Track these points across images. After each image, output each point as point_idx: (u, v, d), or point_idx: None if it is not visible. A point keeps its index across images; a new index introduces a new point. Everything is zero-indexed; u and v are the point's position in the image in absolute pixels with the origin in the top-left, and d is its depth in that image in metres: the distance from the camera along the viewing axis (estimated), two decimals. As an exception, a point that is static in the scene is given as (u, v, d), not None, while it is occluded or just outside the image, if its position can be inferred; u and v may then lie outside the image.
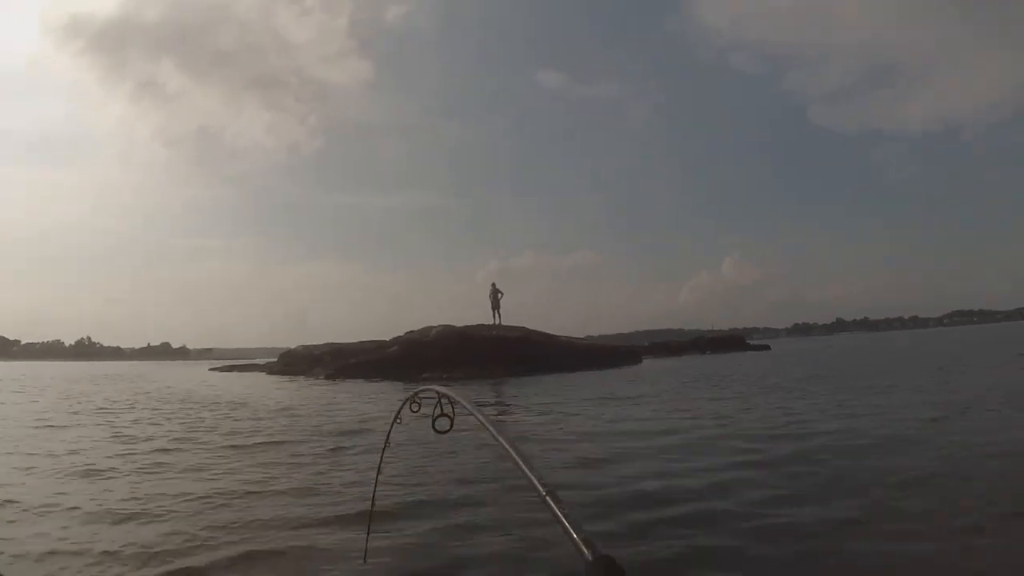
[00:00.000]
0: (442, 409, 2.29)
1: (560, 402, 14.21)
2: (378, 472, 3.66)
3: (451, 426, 2.28)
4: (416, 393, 2.82)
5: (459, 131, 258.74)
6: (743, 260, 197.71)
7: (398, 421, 3.14)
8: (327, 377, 28.99)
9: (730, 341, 48.96)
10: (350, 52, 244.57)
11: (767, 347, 52.34)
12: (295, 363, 35.70)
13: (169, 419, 13.01)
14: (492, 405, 14.30)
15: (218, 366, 50.89)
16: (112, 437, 10.19)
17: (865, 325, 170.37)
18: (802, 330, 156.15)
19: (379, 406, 14.72)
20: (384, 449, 3.51)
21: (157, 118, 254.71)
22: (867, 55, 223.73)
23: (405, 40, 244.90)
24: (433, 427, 2.30)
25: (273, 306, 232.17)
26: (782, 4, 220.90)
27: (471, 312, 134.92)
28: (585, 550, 0.93)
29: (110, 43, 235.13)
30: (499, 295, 29.08)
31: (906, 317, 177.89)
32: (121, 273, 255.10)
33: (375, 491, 3.77)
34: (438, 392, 2.32)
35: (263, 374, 36.96)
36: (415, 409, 2.84)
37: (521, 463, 1.29)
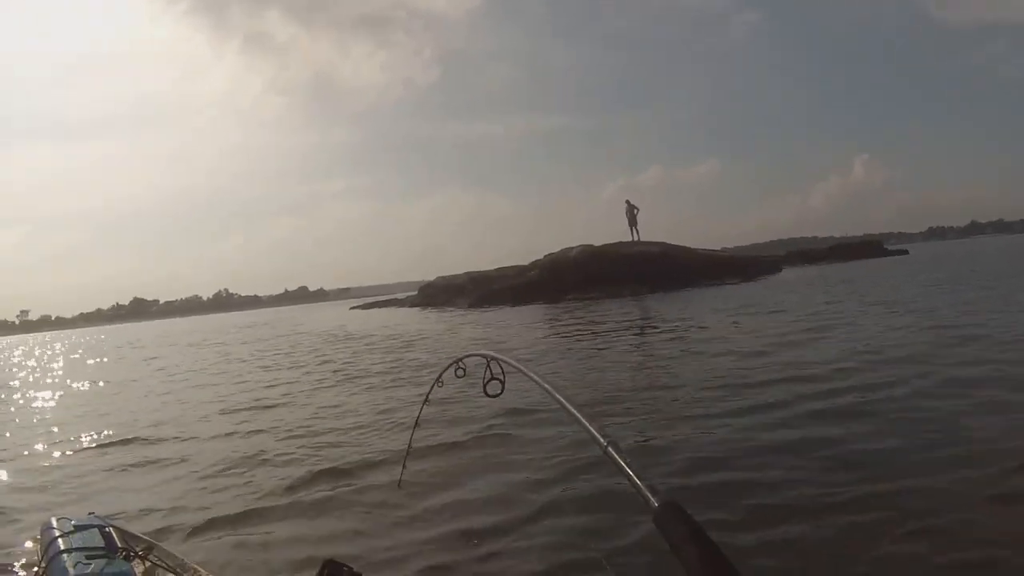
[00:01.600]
0: (491, 373, 2.15)
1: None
2: (413, 432, 3.67)
3: (502, 389, 2.14)
4: (461, 359, 2.65)
5: (570, 51, 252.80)
6: (871, 163, 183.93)
7: (439, 384, 3.01)
8: (470, 306, 29.98)
9: (868, 247, 46.37)
10: None
11: (905, 252, 49.36)
12: (436, 295, 37.17)
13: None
14: (652, 325, 14.21)
15: (359, 304, 53.43)
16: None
17: (1001, 227, 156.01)
18: (937, 234, 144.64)
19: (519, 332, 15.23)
20: (422, 408, 3.45)
21: (269, 69, 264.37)
22: None
23: None
24: (485, 391, 2.16)
25: (404, 241, 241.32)
26: None
27: (601, 231, 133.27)
28: (651, 496, 0.93)
29: (213, 1, 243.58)
30: (635, 211, 28.75)
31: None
32: (250, 225, 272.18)
33: (411, 441, 3.72)
34: (486, 356, 2.19)
35: (404, 308, 38.82)
36: (460, 375, 2.63)
37: (580, 417, 1.26)
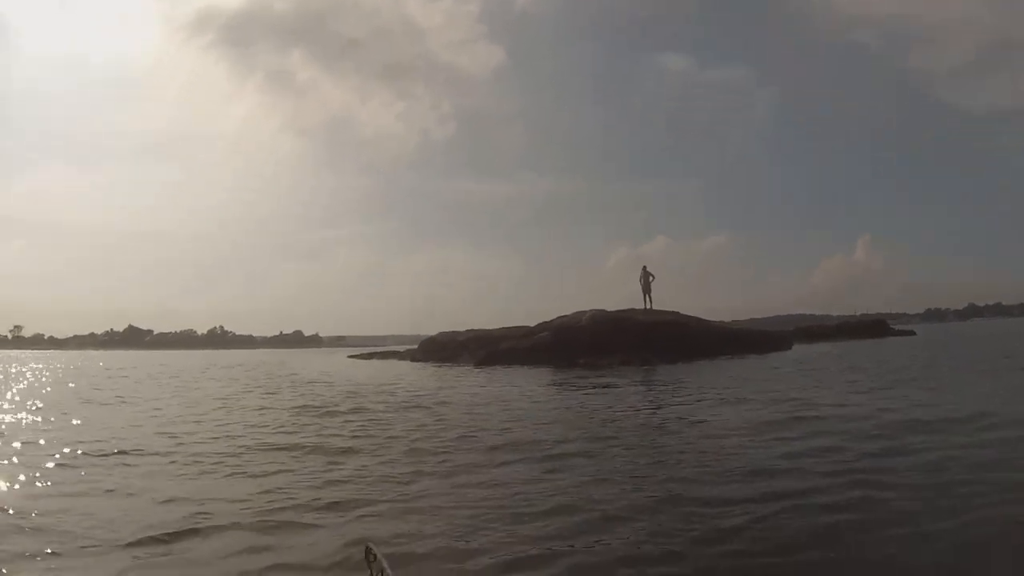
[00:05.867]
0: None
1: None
2: None
3: None
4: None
5: (586, 116, 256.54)
6: (874, 243, 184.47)
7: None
8: (477, 364, 29.43)
9: (874, 326, 46.20)
10: (480, 38, 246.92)
11: (912, 332, 49.11)
12: (437, 350, 36.63)
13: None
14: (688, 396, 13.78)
15: (356, 353, 52.91)
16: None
17: (999, 311, 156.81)
18: (935, 315, 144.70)
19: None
20: None
21: (287, 109, 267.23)
22: (994, 29, 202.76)
23: (535, 25, 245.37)
24: None
25: (400, 294, 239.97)
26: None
27: (606, 298, 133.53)
28: None
29: (238, 36, 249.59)
30: (650, 278, 28.56)
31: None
32: (252, 265, 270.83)
33: None
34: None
35: (407, 361, 38.15)
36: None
37: None
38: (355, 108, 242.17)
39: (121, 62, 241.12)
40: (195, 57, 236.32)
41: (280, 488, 6.57)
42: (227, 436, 10.14)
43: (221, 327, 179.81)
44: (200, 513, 5.65)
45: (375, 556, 2.53)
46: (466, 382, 21.07)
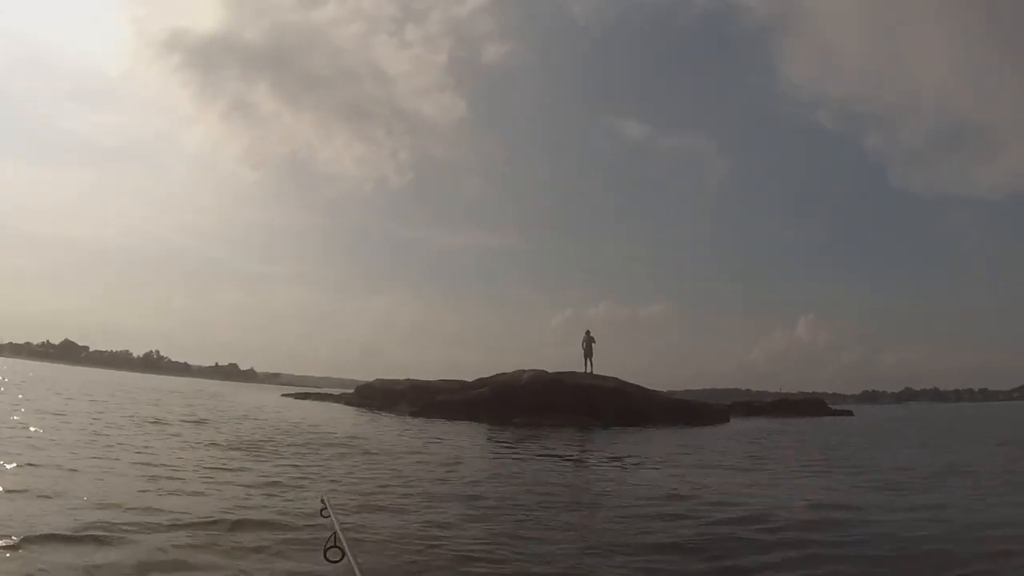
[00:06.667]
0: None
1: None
2: None
3: (343, 557, 2.72)
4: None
5: (542, 175, 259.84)
6: (816, 322, 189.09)
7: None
8: (413, 414, 28.71)
9: (812, 405, 46.96)
10: (446, 88, 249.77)
11: (850, 413, 50.01)
12: (374, 397, 35.69)
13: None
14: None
15: (291, 392, 51.45)
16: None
17: (934, 395, 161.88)
18: (871, 397, 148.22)
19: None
20: None
21: (247, 139, 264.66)
22: (947, 116, 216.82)
23: (499, 81, 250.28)
24: (325, 556, 2.79)
25: (341, 336, 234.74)
26: (864, 59, 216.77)
27: (547, 357, 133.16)
28: None
29: (207, 61, 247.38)
30: (592, 342, 28.49)
31: (975, 389, 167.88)
32: (194, 290, 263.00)
33: None
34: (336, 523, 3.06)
35: (341, 405, 37.04)
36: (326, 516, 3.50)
37: None
38: (314, 146, 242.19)
39: (90, 70, 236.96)
40: (162, 75, 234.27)
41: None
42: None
43: (157, 352, 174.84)
44: None
45: (327, 508, 3.49)
46: (400, 431, 20.48)
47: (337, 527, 2.98)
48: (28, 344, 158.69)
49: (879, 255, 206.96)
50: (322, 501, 3.60)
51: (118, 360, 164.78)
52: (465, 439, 18.68)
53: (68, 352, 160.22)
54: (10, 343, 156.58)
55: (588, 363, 28.35)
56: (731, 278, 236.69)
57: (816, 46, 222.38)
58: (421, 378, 35.16)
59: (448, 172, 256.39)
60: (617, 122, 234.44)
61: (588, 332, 28.69)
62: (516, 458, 13.79)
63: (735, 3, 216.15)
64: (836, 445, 19.83)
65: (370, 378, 39.87)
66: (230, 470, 9.87)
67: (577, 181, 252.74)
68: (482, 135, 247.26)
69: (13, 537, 5.19)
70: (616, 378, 28.71)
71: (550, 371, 28.21)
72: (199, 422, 19.00)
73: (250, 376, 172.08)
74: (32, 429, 13.11)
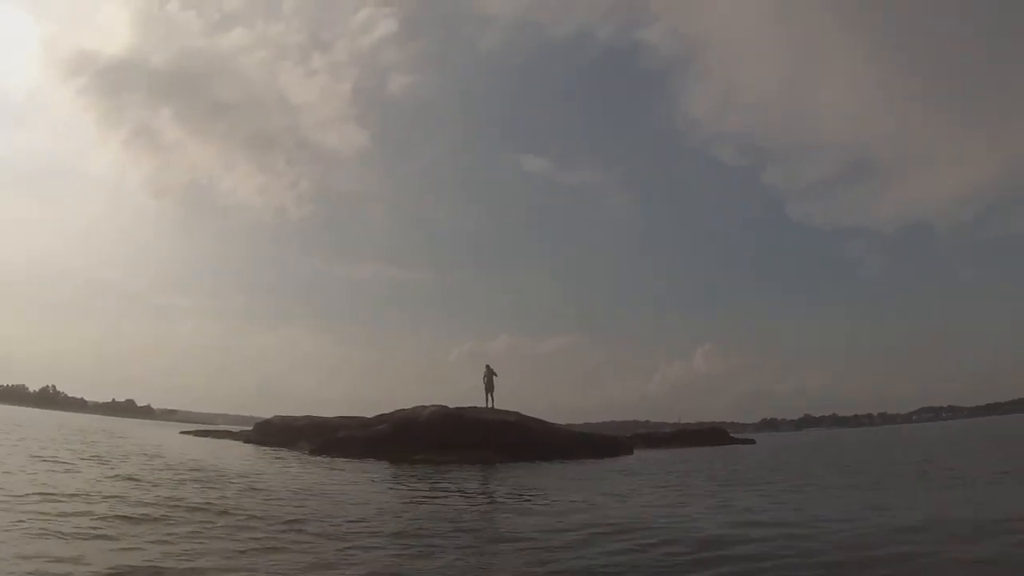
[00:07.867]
0: None
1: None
2: None
3: None
4: None
5: (443, 209, 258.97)
6: (715, 352, 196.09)
7: None
8: (312, 452, 28.05)
9: (713, 434, 49.05)
10: (349, 119, 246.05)
11: (752, 441, 52.31)
12: (274, 434, 34.73)
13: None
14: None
15: (190, 430, 49.08)
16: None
17: (834, 421, 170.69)
18: (770, 425, 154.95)
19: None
20: None
21: (149, 167, 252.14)
22: (845, 151, 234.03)
23: (404, 112, 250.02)
24: None
25: (239, 371, 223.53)
26: (765, 96, 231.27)
27: (447, 392, 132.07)
28: None
29: (112, 85, 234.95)
30: (493, 376, 28.83)
31: (875, 413, 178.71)
32: (92, 320, 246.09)
33: None
34: None
35: (240, 443, 35.70)
36: None
37: None
38: (217, 175, 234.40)
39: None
40: (68, 97, 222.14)
41: None
42: None
43: (53, 387, 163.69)
44: None
45: None
46: (296, 470, 19.81)
47: None
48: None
49: (777, 286, 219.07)
50: None
51: (13, 394, 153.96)
52: (363, 477, 18.27)
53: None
54: None
55: (489, 397, 28.64)
56: (634, 310, 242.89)
57: (718, 82, 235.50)
58: (323, 414, 34.49)
59: (350, 204, 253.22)
60: (521, 156, 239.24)
61: (488, 366, 29.06)
62: (419, 499, 13.46)
63: (639, 40, 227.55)
64: (743, 470, 20.82)
65: (269, 415, 38.76)
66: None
67: (482, 215, 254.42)
68: (386, 167, 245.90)
69: None
70: (518, 412, 29.10)
71: (451, 406, 28.32)
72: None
73: (147, 412, 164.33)
74: None
